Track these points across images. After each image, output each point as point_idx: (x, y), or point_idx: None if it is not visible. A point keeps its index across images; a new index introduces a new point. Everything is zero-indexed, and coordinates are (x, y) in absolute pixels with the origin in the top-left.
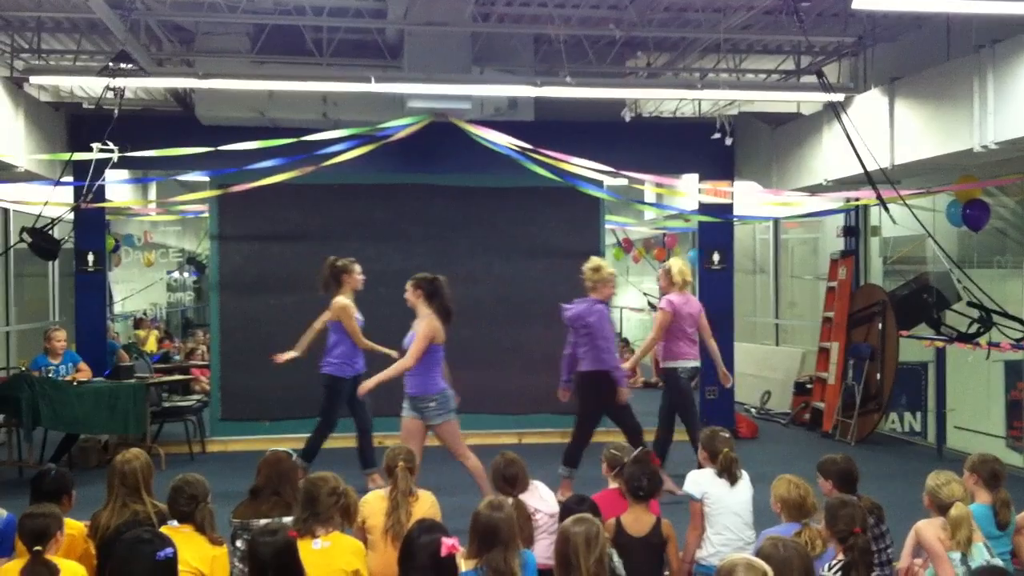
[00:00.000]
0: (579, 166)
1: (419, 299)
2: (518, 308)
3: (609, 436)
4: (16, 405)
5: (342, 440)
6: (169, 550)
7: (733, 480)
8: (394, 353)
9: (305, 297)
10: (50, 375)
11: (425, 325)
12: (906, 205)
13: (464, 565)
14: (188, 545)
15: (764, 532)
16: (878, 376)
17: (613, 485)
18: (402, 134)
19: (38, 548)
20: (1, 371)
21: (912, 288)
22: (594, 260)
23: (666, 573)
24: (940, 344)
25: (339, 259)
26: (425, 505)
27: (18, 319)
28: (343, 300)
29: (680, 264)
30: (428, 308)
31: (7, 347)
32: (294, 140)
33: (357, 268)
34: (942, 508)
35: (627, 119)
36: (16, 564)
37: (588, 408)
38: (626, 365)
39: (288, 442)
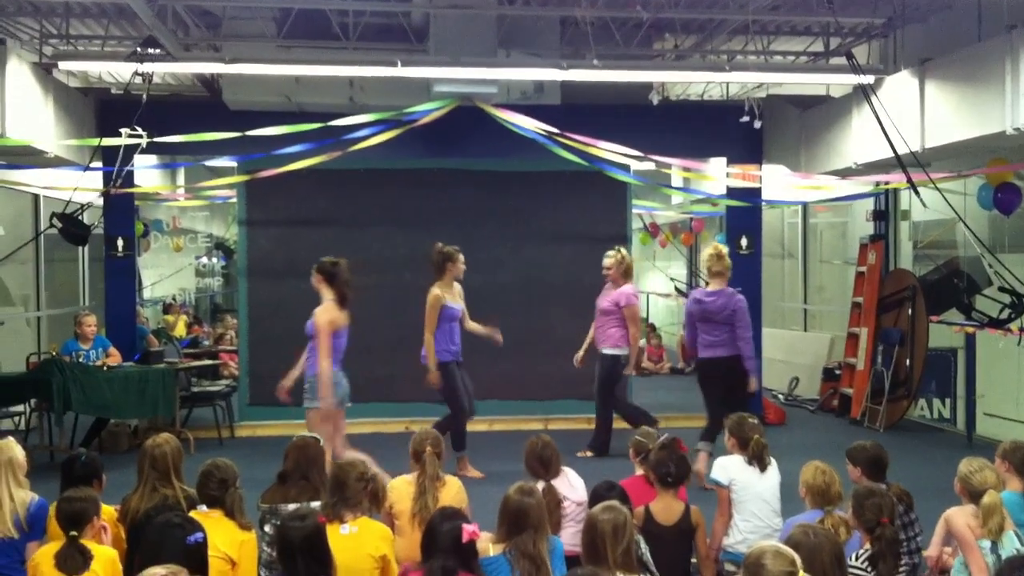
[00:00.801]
0: (606, 150)
1: (321, 283)
2: (544, 293)
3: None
4: (47, 390)
5: (377, 425)
6: (199, 535)
7: (763, 467)
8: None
9: None
10: (80, 360)
11: (324, 320)
12: (936, 188)
13: (492, 549)
14: (217, 530)
15: (789, 520)
16: (908, 362)
17: (639, 472)
18: (428, 118)
19: (74, 533)
20: (32, 356)
21: (942, 273)
22: (718, 247)
23: (693, 560)
24: (971, 330)
25: (445, 247)
26: (452, 490)
27: (49, 304)
28: (434, 291)
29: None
30: (330, 292)
31: (38, 332)
32: (321, 125)
33: (460, 257)
34: (974, 495)
35: (654, 102)
36: (51, 548)
37: (719, 393)
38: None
39: None
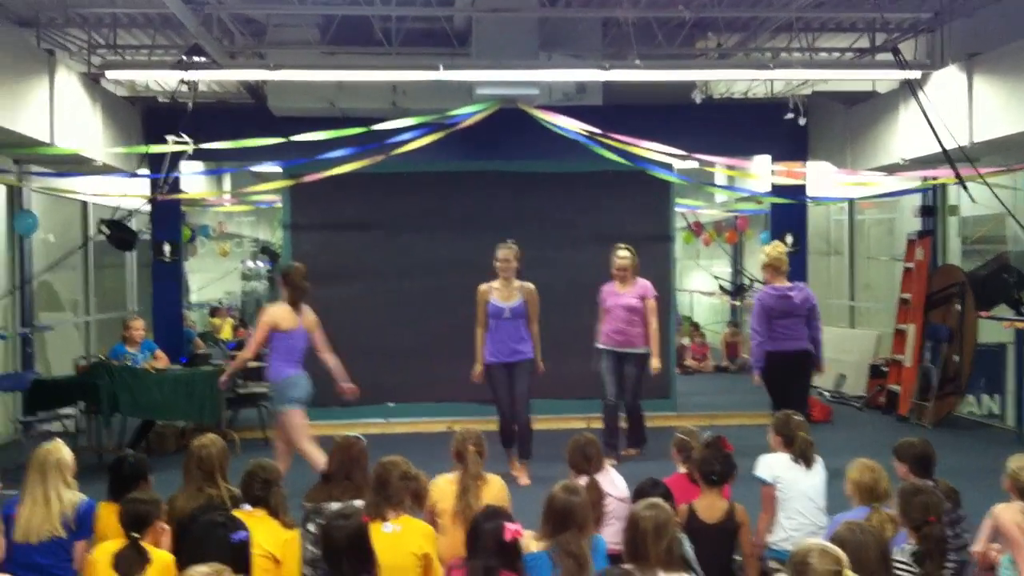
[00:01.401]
0: (649, 150)
1: (280, 285)
2: (587, 294)
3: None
4: (96, 392)
5: (419, 425)
6: (243, 533)
7: (808, 464)
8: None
9: (376, 284)
10: (128, 363)
11: (265, 316)
12: (985, 183)
13: (535, 546)
14: (261, 528)
15: (836, 517)
16: (956, 358)
17: (681, 470)
18: (470, 121)
19: (136, 535)
20: (82, 360)
21: (991, 268)
22: (780, 244)
23: (737, 558)
24: (1020, 325)
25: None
26: (494, 489)
27: (98, 309)
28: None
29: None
30: (285, 293)
31: (87, 336)
32: (364, 129)
33: (499, 254)
34: (1023, 492)
35: (698, 101)
36: (110, 546)
37: (798, 383)
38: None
39: (359, 427)
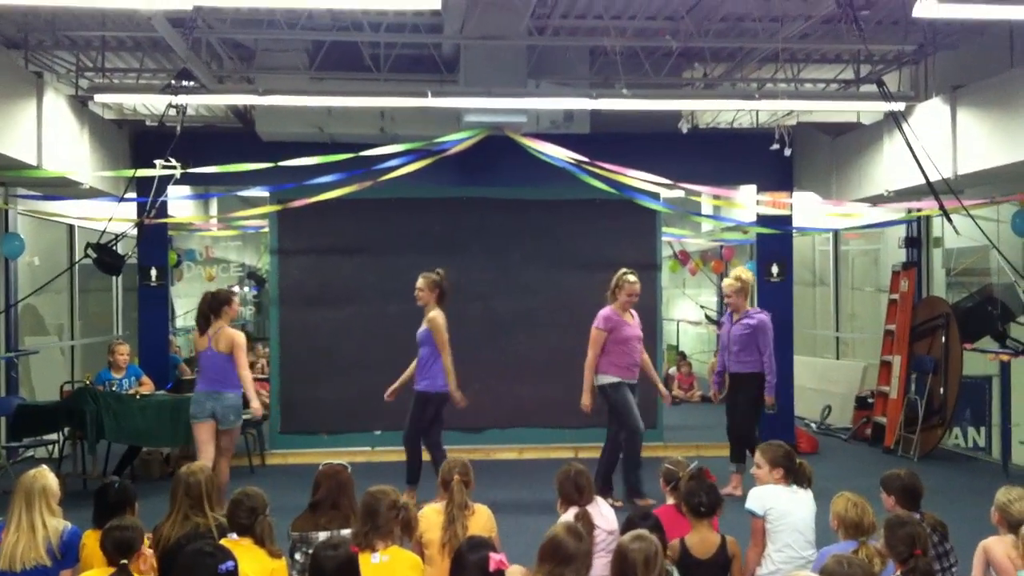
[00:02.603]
0: (636, 178)
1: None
2: (574, 320)
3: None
4: (81, 418)
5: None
6: (231, 563)
7: (808, 486)
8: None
9: (363, 310)
10: (113, 389)
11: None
12: (969, 216)
13: None
14: (247, 558)
15: (823, 550)
16: (941, 390)
17: (671, 501)
18: (458, 148)
19: (124, 561)
20: (66, 385)
21: (976, 300)
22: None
23: None
24: (1005, 357)
25: None
26: (482, 519)
27: (82, 334)
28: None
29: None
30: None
31: (72, 361)
32: (352, 155)
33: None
34: (1013, 525)
35: (684, 131)
36: (98, 574)
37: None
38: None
39: (346, 455)
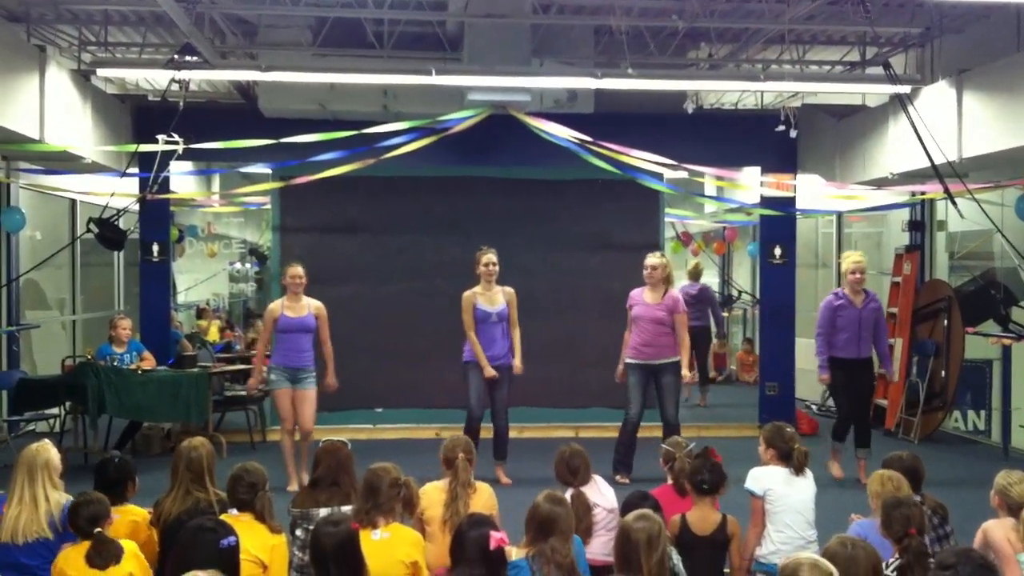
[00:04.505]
0: (639, 159)
1: None
2: (575, 301)
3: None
4: (82, 393)
5: (407, 431)
6: (232, 538)
7: (802, 472)
8: None
9: (364, 288)
10: (115, 363)
11: None
12: (974, 199)
13: (516, 554)
14: (248, 533)
15: (856, 523)
16: (943, 373)
17: (669, 480)
18: (462, 126)
19: (99, 530)
20: (67, 359)
21: (979, 284)
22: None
23: (726, 570)
24: (1007, 341)
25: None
26: (483, 497)
27: (84, 308)
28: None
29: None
30: None
31: (73, 336)
32: (355, 133)
33: (481, 259)
34: (1013, 508)
35: (689, 111)
36: (78, 549)
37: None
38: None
39: (346, 432)
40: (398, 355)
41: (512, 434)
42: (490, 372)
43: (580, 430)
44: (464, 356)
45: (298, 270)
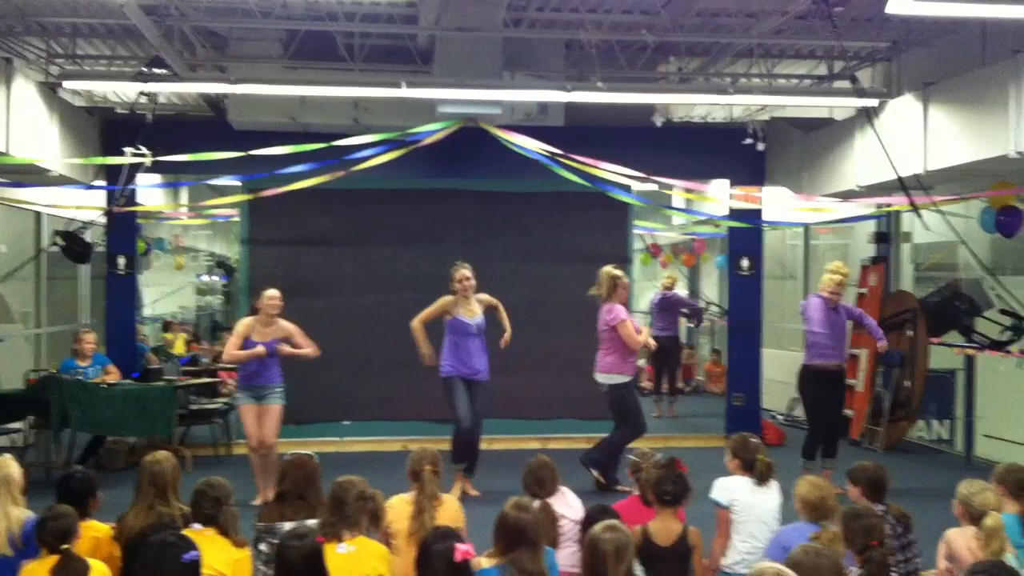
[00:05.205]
0: (609, 171)
1: None
2: (546, 313)
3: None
4: (45, 407)
5: (375, 444)
6: (194, 553)
7: (766, 483)
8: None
9: (334, 301)
10: (79, 377)
11: None
12: (939, 211)
13: (486, 562)
14: (212, 548)
15: (781, 530)
16: (908, 383)
17: (635, 492)
18: (432, 139)
19: (66, 547)
20: (31, 373)
21: (944, 295)
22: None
23: None
24: (970, 351)
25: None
26: (450, 510)
27: (49, 321)
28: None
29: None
30: None
31: (38, 349)
32: (325, 145)
33: (455, 275)
34: (975, 517)
35: (658, 124)
36: (43, 564)
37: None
38: None
39: (314, 445)
40: (366, 368)
41: (480, 446)
42: (426, 350)
43: (549, 441)
44: (442, 372)
45: (275, 293)
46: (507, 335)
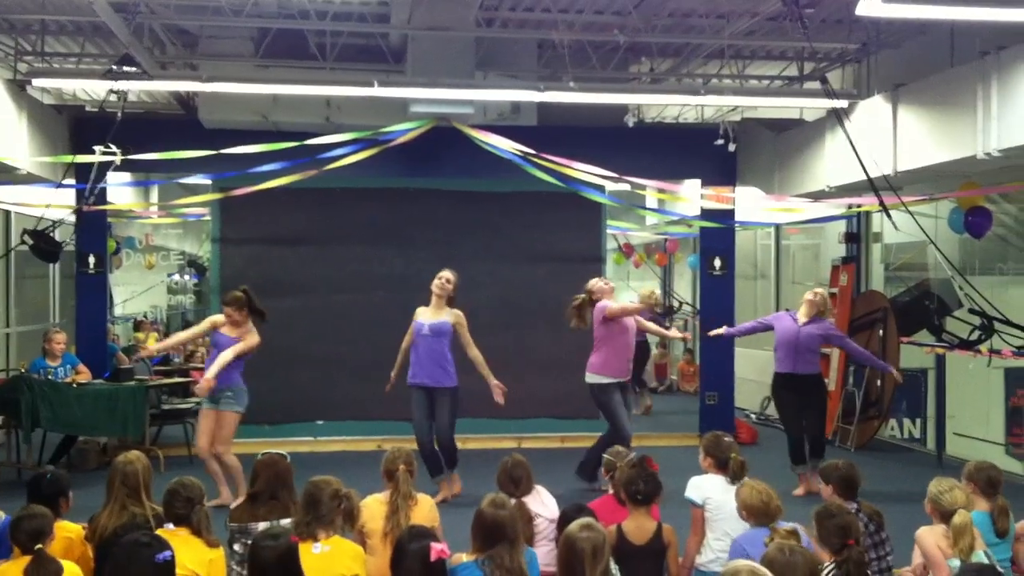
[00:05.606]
0: (581, 171)
1: None
2: (519, 312)
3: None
4: (15, 407)
5: (349, 444)
6: (168, 553)
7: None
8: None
9: (306, 300)
10: (49, 377)
11: None
12: (908, 211)
13: (467, 558)
14: (185, 548)
15: (736, 539)
16: (878, 382)
17: (610, 491)
18: (405, 138)
19: (40, 547)
20: (1, 372)
21: (913, 295)
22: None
23: None
24: (941, 351)
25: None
26: (424, 509)
27: (19, 321)
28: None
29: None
30: None
31: (7, 349)
32: (297, 144)
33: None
34: (944, 515)
35: (630, 124)
36: (16, 564)
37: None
38: None
39: (286, 445)
40: (340, 368)
41: (457, 447)
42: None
43: (523, 440)
44: (408, 379)
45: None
46: (498, 391)
